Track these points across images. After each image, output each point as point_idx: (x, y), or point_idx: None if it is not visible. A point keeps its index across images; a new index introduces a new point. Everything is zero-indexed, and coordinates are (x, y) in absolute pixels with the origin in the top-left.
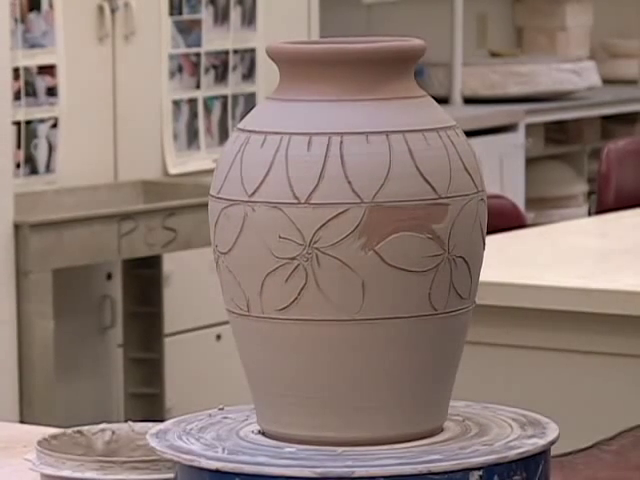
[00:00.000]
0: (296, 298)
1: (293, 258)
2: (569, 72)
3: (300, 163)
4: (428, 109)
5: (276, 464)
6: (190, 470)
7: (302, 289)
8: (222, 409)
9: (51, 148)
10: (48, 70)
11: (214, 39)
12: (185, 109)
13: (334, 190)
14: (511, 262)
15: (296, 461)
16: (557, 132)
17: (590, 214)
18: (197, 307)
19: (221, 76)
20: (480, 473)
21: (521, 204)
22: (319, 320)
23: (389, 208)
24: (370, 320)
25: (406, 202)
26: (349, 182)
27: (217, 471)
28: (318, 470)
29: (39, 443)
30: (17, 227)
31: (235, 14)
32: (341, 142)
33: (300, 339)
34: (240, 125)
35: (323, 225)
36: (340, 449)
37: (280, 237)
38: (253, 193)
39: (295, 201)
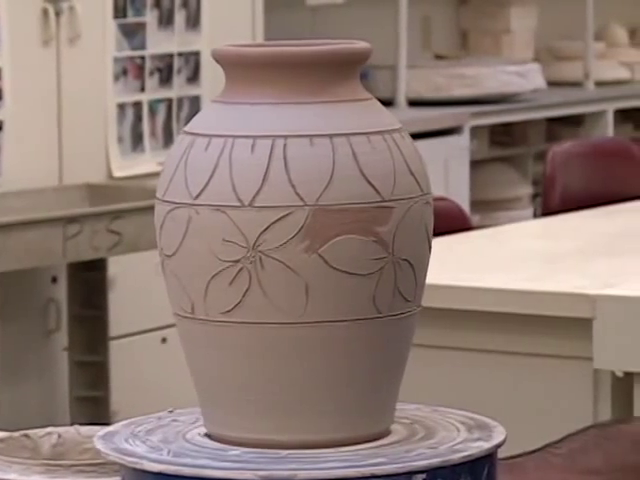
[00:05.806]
0: (240, 301)
1: (237, 261)
2: (514, 74)
3: (244, 166)
4: (373, 112)
5: (218, 467)
6: (134, 473)
7: (246, 292)
8: (172, 412)
9: None
10: None
11: (159, 42)
12: (130, 112)
13: (277, 193)
14: (456, 264)
15: (239, 464)
16: (502, 134)
17: (535, 216)
18: (142, 310)
19: (166, 79)
20: (424, 476)
21: (466, 206)
22: (263, 323)
23: (332, 211)
24: (314, 323)
25: (350, 205)
26: (292, 185)
27: (160, 474)
28: (260, 473)
29: None
30: None
31: (180, 17)
32: (285, 145)
33: (244, 342)
34: (186, 128)
35: (267, 228)
36: (285, 452)
37: (224, 240)
38: (197, 196)
39: (239, 204)
